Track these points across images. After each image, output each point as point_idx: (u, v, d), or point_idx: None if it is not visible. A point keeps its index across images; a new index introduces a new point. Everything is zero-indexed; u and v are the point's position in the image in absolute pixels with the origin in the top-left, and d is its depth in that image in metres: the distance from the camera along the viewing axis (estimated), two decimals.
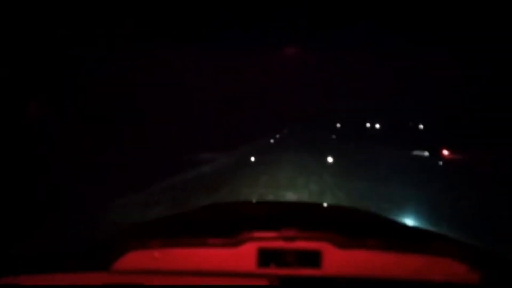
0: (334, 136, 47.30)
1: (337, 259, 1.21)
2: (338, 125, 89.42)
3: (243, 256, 1.21)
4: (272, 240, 1.22)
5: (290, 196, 7.56)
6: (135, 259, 1.22)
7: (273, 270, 1.20)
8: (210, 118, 24.57)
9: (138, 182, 8.27)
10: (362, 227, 1.71)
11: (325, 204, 6.28)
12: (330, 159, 16.55)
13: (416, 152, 19.89)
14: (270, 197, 7.30)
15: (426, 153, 19.18)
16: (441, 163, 16.65)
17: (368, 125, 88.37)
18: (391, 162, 16.49)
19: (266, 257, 1.21)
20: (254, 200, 6.56)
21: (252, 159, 16.99)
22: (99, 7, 12.49)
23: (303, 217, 1.87)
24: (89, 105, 12.09)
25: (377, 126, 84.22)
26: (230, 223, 1.65)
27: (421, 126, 76.21)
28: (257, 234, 1.22)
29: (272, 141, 34.87)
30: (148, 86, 16.09)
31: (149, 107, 16.00)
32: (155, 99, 16.55)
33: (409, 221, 5.41)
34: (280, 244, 1.21)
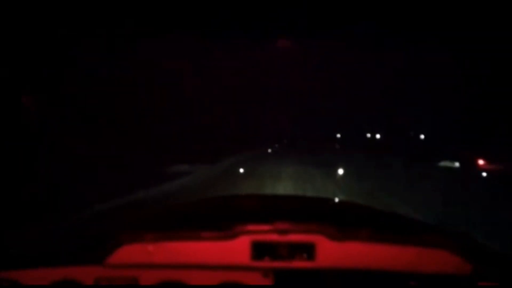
0: (337, 146, 47.01)
1: (330, 252, 1.22)
2: (338, 135, 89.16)
3: (237, 249, 1.22)
4: (266, 233, 1.22)
5: None
6: (129, 253, 1.23)
7: (267, 263, 1.20)
8: (204, 122, 23.99)
9: (64, 207, 6.44)
10: (355, 219, 1.74)
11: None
12: (340, 171, 14.12)
13: (444, 163, 18.30)
14: None
15: (457, 164, 17.79)
16: (482, 175, 14.87)
17: (368, 135, 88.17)
18: (423, 176, 13.67)
19: (260, 250, 1.21)
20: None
21: (241, 170, 14.54)
22: (98, 7, 12.33)
23: (297, 210, 1.90)
24: (81, 106, 11.79)
25: (378, 136, 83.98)
26: (223, 217, 1.67)
27: (422, 136, 75.99)
28: (250, 227, 1.23)
29: (269, 150, 34.39)
30: (141, 87, 15.50)
31: (141, 109, 15.32)
32: (147, 101, 15.92)
33: None
34: (273, 237, 1.22)
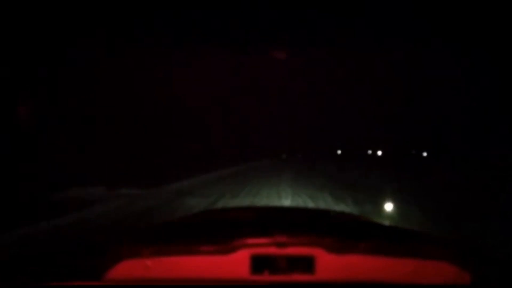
0: (349, 164, 38.90)
1: (330, 264, 1.21)
2: (339, 151, 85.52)
3: (236, 263, 1.22)
4: (265, 247, 1.22)
5: None
6: (128, 268, 1.22)
7: (266, 277, 1.20)
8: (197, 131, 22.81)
9: None
10: (353, 231, 1.71)
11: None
12: (388, 207, 9.24)
13: None
14: None
15: None
16: None
17: (369, 151, 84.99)
18: None
19: (259, 263, 1.21)
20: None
21: (192, 203, 9.06)
22: (93, 9, 12.32)
23: (295, 222, 1.89)
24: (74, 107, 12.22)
25: (379, 153, 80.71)
26: (222, 230, 1.67)
27: (424, 154, 72.32)
28: (249, 240, 1.23)
29: (261, 165, 28.31)
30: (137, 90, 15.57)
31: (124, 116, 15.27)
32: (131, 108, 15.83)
33: None
34: (273, 250, 1.21)
